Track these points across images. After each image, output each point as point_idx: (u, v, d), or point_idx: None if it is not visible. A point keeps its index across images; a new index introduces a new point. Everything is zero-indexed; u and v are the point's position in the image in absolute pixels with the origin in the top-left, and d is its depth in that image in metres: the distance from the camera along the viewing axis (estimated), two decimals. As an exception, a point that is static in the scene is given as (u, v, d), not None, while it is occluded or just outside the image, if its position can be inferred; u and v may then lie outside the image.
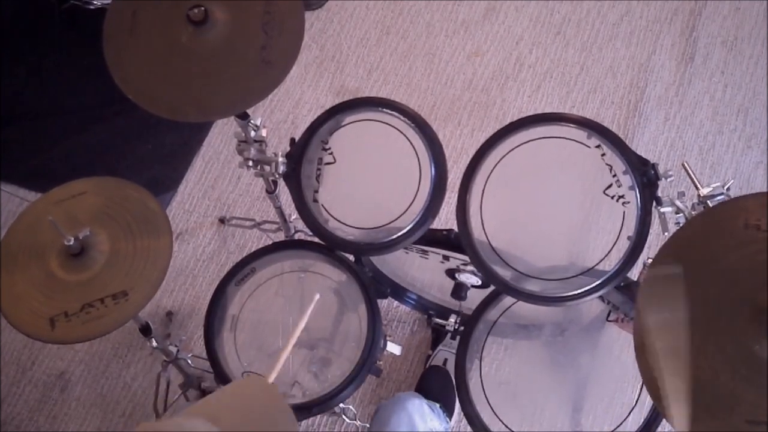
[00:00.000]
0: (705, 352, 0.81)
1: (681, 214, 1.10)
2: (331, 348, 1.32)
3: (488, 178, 1.18)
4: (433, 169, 1.21)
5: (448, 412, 1.57)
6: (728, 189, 1.07)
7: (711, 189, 1.07)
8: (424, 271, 1.59)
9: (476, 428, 1.17)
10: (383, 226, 1.23)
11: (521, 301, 1.17)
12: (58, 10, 2.15)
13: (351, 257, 1.33)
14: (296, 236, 1.70)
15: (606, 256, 1.13)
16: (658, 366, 0.83)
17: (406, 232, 1.21)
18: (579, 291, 1.12)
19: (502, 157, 1.18)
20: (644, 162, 1.13)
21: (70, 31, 2.21)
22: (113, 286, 1.05)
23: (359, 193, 1.28)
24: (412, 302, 1.69)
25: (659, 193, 1.13)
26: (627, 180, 1.13)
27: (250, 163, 1.27)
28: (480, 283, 1.42)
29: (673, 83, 2.09)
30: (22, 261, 1.08)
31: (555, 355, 1.31)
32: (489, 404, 1.19)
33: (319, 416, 1.73)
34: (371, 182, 1.28)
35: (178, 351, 1.43)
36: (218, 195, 2.01)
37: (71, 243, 1.05)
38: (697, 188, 1.09)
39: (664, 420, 1.13)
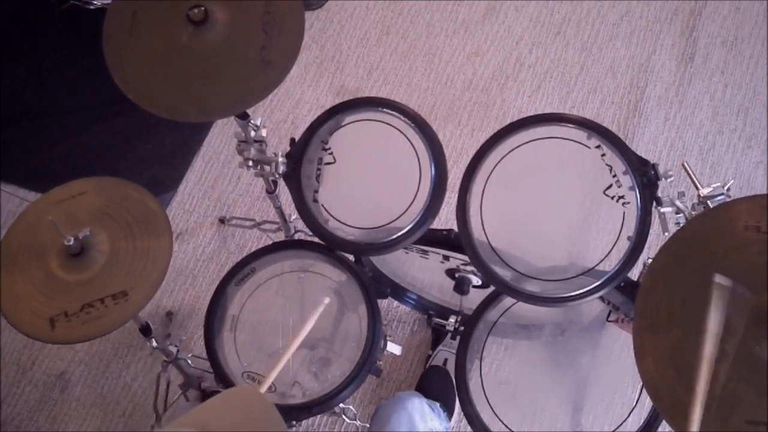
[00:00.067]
0: (705, 352, 0.81)
1: (681, 215, 1.10)
2: (331, 348, 1.32)
3: (488, 178, 1.18)
4: (433, 169, 1.21)
5: (448, 411, 1.57)
6: (728, 189, 1.07)
7: (711, 189, 1.07)
8: (424, 271, 1.59)
9: (476, 428, 1.17)
10: (383, 226, 1.23)
11: (521, 302, 1.17)
12: (58, 10, 2.15)
13: (351, 257, 1.33)
14: (296, 236, 1.70)
15: (606, 256, 1.13)
16: (658, 366, 0.83)
17: (406, 232, 1.21)
18: (579, 291, 1.12)
19: (502, 158, 1.18)
20: (644, 162, 1.13)
21: (70, 31, 2.21)
22: (113, 286, 1.05)
23: (359, 193, 1.28)
24: (412, 302, 1.69)
25: (659, 194, 1.13)
26: (627, 180, 1.13)
27: (250, 163, 1.27)
28: (480, 283, 1.42)
29: (673, 83, 2.09)
30: (22, 261, 1.08)
31: (555, 355, 1.31)
32: (489, 404, 1.19)
33: (319, 416, 1.73)
34: (371, 182, 1.28)
35: (178, 351, 1.43)
36: (218, 195, 2.01)
37: (71, 243, 1.05)
38: (697, 188, 1.09)
39: (664, 420, 1.13)
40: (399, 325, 1.82)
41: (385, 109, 1.24)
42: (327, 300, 1.07)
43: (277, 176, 1.26)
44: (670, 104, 2.07)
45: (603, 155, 1.15)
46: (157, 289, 1.06)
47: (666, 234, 1.07)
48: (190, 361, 1.48)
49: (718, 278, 0.82)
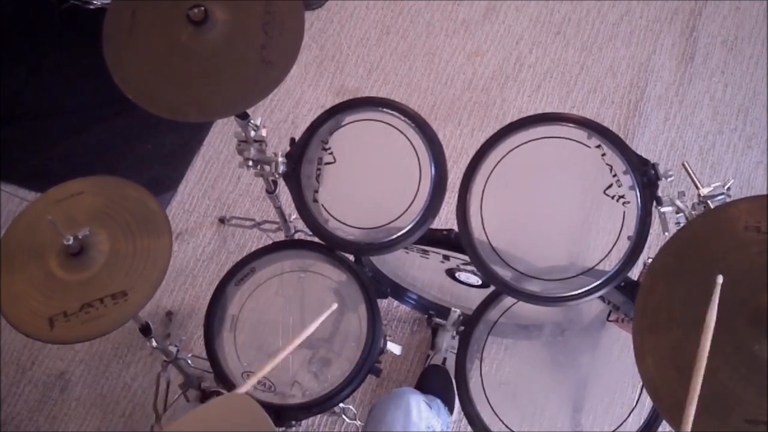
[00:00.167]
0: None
1: (681, 214, 1.10)
2: (331, 348, 1.31)
3: (488, 178, 1.18)
4: (433, 168, 1.21)
5: (449, 407, 1.57)
6: (728, 189, 1.07)
7: (711, 189, 1.07)
8: (424, 271, 1.59)
9: (476, 428, 1.17)
10: (383, 226, 1.23)
11: (521, 302, 1.17)
12: (58, 10, 2.15)
13: (351, 257, 1.33)
14: (296, 236, 1.70)
15: (606, 256, 1.13)
16: (658, 366, 0.83)
17: (406, 232, 1.21)
18: (579, 291, 1.12)
19: (503, 157, 1.18)
20: (644, 162, 1.13)
21: (70, 31, 2.21)
22: (113, 286, 1.05)
23: (359, 193, 1.28)
24: (412, 302, 1.69)
25: (659, 193, 1.13)
26: (627, 180, 1.13)
27: (250, 163, 1.27)
28: (480, 283, 1.42)
29: (673, 83, 2.09)
30: (21, 261, 1.08)
31: (555, 355, 1.31)
32: (489, 404, 1.19)
33: (319, 416, 1.73)
34: (371, 182, 1.28)
35: (178, 351, 1.43)
36: (218, 195, 2.01)
37: (70, 242, 1.05)
38: (697, 188, 1.09)
39: (664, 420, 1.13)
40: (399, 325, 1.82)
41: (385, 109, 1.24)
42: (335, 306, 1.07)
43: (277, 176, 1.26)
44: (670, 104, 2.07)
45: (603, 155, 1.15)
46: (156, 289, 1.06)
47: (666, 234, 1.07)
48: (190, 361, 1.48)
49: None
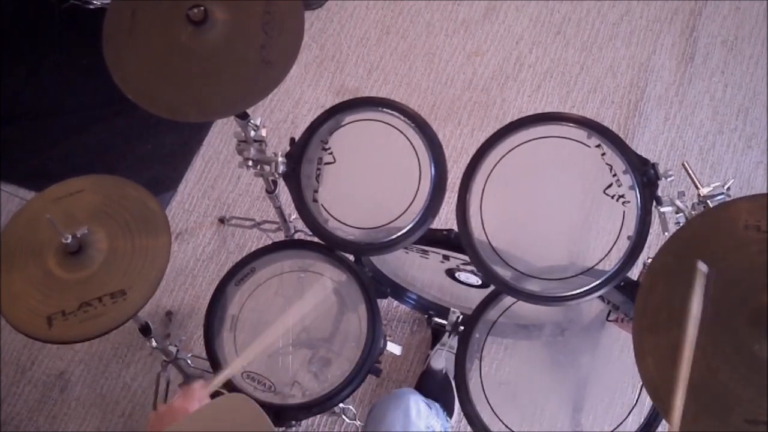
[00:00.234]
0: (705, 352, 0.81)
1: (681, 214, 1.10)
2: (331, 348, 1.31)
3: (488, 177, 1.18)
4: (433, 168, 1.21)
5: (448, 411, 1.57)
6: (728, 189, 1.07)
7: (711, 189, 1.07)
8: (424, 271, 1.59)
9: (476, 428, 1.17)
10: (383, 225, 1.23)
11: (521, 301, 1.17)
12: (58, 10, 2.15)
13: (351, 257, 1.33)
14: (296, 236, 1.70)
15: (606, 255, 1.13)
16: (658, 366, 0.83)
17: (406, 231, 1.20)
18: (579, 291, 1.12)
19: (502, 157, 1.18)
20: (644, 162, 1.13)
21: (70, 31, 2.21)
22: (111, 285, 1.05)
23: (359, 192, 1.28)
24: (412, 302, 1.69)
25: (659, 193, 1.13)
26: (627, 179, 1.13)
27: (250, 163, 1.27)
28: (480, 283, 1.42)
29: (673, 83, 2.09)
30: (19, 259, 1.07)
31: (555, 355, 1.31)
32: (489, 404, 1.19)
33: (319, 416, 1.72)
34: (371, 182, 1.28)
35: (177, 351, 1.43)
36: (218, 195, 2.01)
37: (69, 241, 1.04)
38: (697, 188, 1.09)
39: (663, 420, 1.13)
40: (399, 325, 1.82)
41: (385, 109, 1.24)
42: (328, 284, 1.06)
43: (276, 176, 1.26)
44: (670, 104, 2.07)
45: (603, 154, 1.15)
46: (155, 288, 1.06)
47: (666, 234, 1.07)
48: (189, 361, 1.48)
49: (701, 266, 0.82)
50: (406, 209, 1.21)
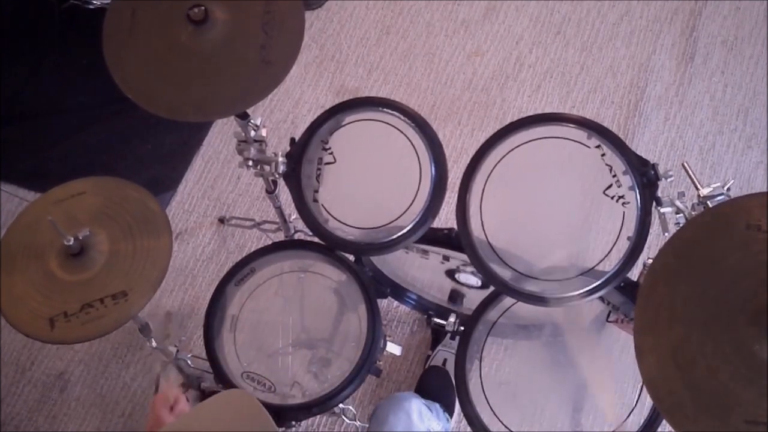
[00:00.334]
0: (705, 352, 0.81)
1: (681, 215, 1.10)
2: (331, 348, 1.31)
3: (488, 177, 1.18)
4: (433, 168, 1.21)
5: (448, 412, 1.57)
6: (728, 189, 1.07)
7: (711, 189, 1.07)
8: (424, 271, 1.59)
9: (476, 428, 1.17)
10: (383, 226, 1.23)
11: (521, 302, 1.17)
12: (58, 9, 2.15)
13: (351, 257, 1.33)
14: (296, 236, 1.70)
15: (606, 256, 1.13)
16: (659, 367, 0.83)
17: (407, 231, 1.20)
18: (579, 291, 1.12)
19: (502, 157, 1.18)
20: (644, 162, 1.13)
21: (70, 31, 2.21)
22: (113, 287, 1.05)
23: (359, 192, 1.28)
24: (412, 302, 1.69)
25: (659, 194, 1.13)
26: (627, 180, 1.13)
27: (250, 163, 1.27)
28: (480, 284, 1.42)
29: (673, 83, 2.09)
30: (21, 261, 1.07)
31: (555, 355, 1.31)
32: (489, 405, 1.19)
33: (319, 416, 1.73)
34: (371, 182, 1.28)
35: (177, 351, 1.43)
36: (218, 195, 2.01)
37: (71, 243, 1.04)
38: (697, 188, 1.09)
39: (663, 420, 1.13)
40: (399, 325, 1.82)
41: (385, 109, 1.24)
42: None
43: (277, 176, 1.26)
44: (670, 104, 2.07)
45: (603, 155, 1.15)
46: (156, 289, 1.06)
47: (666, 234, 1.07)
48: (189, 362, 1.48)
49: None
50: (407, 209, 1.21)
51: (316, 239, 1.27)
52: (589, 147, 1.16)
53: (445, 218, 1.43)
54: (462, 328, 1.29)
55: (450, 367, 1.67)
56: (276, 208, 1.57)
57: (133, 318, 1.11)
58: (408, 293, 1.67)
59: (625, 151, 1.13)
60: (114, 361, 1.82)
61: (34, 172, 2.05)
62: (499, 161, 1.18)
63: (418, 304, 1.69)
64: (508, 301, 1.25)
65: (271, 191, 1.47)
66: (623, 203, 1.13)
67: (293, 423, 1.30)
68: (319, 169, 1.27)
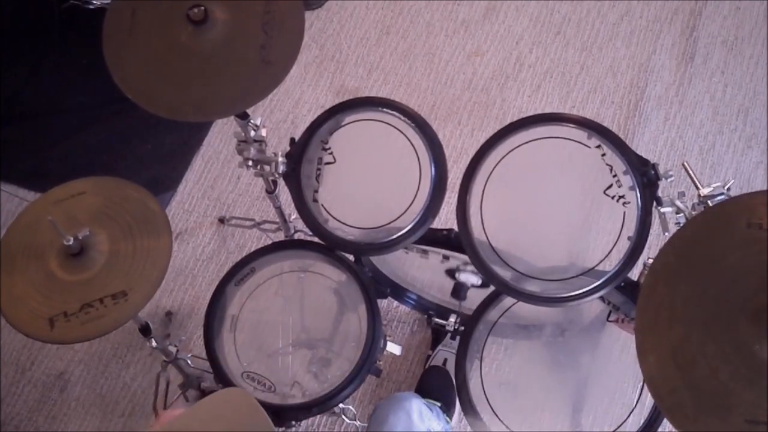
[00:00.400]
0: (705, 352, 0.81)
1: (681, 214, 1.10)
2: (331, 348, 1.31)
3: (488, 178, 1.18)
4: (433, 168, 1.21)
5: (449, 412, 1.57)
6: (728, 189, 1.07)
7: (711, 189, 1.07)
8: (424, 271, 1.59)
9: (476, 428, 1.17)
10: (383, 226, 1.23)
11: (521, 302, 1.17)
12: (58, 9, 2.15)
13: (351, 257, 1.33)
14: (296, 236, 1.70)
15: (606, 256, 1.13)
16: (659, 366, 0.83)
17: (406, 232, 1.20)
18: (579, 291, 1.12)
19: (503, 157, 1.18)
20: (644, 162, 1.13)
21: (70, 31, 2.21)
22: (113, 287, 1.05)
23: (359, 193, 1.28)
24: (412, 302, 1.69)
25: (659, 193, 1.13)
26: (627, 180, 1.13)
27: (250, 163, 1.27)
28: (480, 283, 1.42)
29: (673, 83, 2.09)
30: (21, 261, 1.07)
31: (555, 355, 1.31)
32: (489, 404, 1.19)
33: (319, 416, 1.72)
34: (371, 182, 1.28)
35: (177, 351, 1.43)
36: (218, 195, 2.01)
37: (71, 243, 1.04)
38: (697, 188, 1.09)
39: (664, 420, 1.13)
40: (399, 325, 1.82)
41: (385, 109, 1.24)
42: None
43: (276, 176, 1.26)
44: (671, 104, 2.07)
45: (603, 155, 1.15)
46: (156, 289, 1.06)
47: (666, 234, 1.07)
48: (189, 361, 1.48)
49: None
50: (407, 209, 1.21)
51: (316, 239, 1.27)
52: (589, 147, 1.16)
53: (445, 218, 1.43)
54: (462, 327, 1.29)
55: (450, 367, 1.67)
56: (276, 208, 1.57)
57: (133, 318, 1.11)
58: (408, 293, 1.67)
59: (625, 151, 1.13)
60: (114, 361, 1.82)
61: (34, 172, 2.05)
62: (499, 161, 1.18)
63: (418, 304, 1.69)
64: (508, 301, 1.25)
65: (271, 191, 1.47)
66: (624, 203, 1.13)
67: (293, 423, 1.30)
68: (319, 169, 1.27)
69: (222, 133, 2.09)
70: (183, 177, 2.03)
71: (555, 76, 2.11)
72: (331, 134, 1.27)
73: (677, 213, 1.11)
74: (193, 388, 1.56)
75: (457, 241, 1.21)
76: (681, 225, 1.08)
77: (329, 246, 1.27)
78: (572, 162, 1.18)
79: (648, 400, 1.11)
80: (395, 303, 1.76)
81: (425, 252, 1.40)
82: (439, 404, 1.52)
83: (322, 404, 1.22)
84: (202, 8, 1.07)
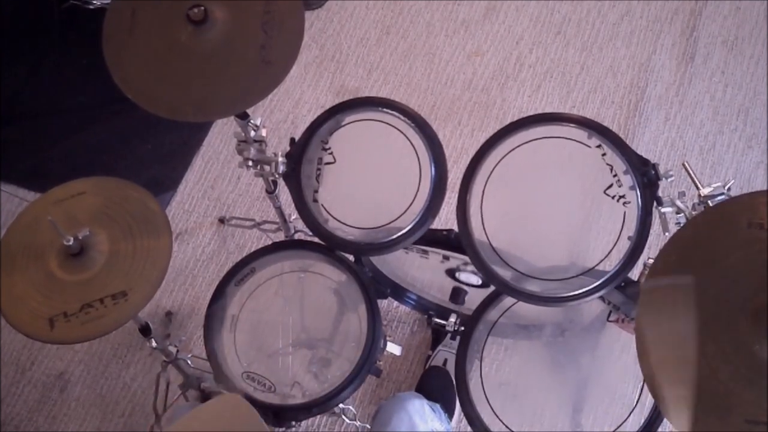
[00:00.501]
0: (705, 352, 0.81)
1: (682, 214, 1.10)
2: (331, 348, 1.31)
3: (488, 178, 1.18)
4: (433, 168, 1.21)
5: (449, 412, 1.57)
6: (729, 189, 1.07)
7: (712, 189, 1.07)
8: (424, 271, 1.59)
9: (476, 429, 1.17)
10: (383, 226, 1.23)
11: (521, 302, 1.17)
12: (58, 9, 2.15)
13: (351, 257, 1.33)
14: (296, 236, 1.70)
15: (606, 256, 1.13)
16: (660, 366, 0.83)
17: (406, 232, 1.20)
18: (579, 291, 1.11)
19: (503, 157, 1.18)
20: (645, 162, 1.13)
21: (70, 31, 2.21)
22: (113, 287, 1.05)
23: (359, 193, 1.28)
24: (412, 302, 1.69)
25: (660, 193, 1.13)
26: (627, 180, 1.13)
27: (250, 163, 1.27)
28: (480, 282, 1.42)
29: (673, 83, 2.09)
30: (21, 261, 1.07)
31: (555, 355, 1.31)
32: (489, 405, 1.19)
33: (319, 416, 1.72)
34: (371, 182, 1.28)
35: (177, 351, 1.43)
36: (218, 195, 2.01)
37: (70, 243, 1.04)
38: (697, 188, 1.09)
39: (663, 421, 1.13)
40: (399, 326, 1.82)
41: (385, 109, 1.24)
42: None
43: (276, 176, 1.26)
44: (671, 104, 2.07)
45: (603, 155, 1.15)
46: (156, 289, 1.06)
47: (666, 234, 1.07)
48: (189, 362, 1.48)
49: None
50: (407, 209, 1.21)
51: (316, 239, 1.27)
52: (589, 147, 1.16)
53: (445, 218, 1.43)
54: (462, 328, 1.29)
55: (450, 367, 1.67)
56: (276, 208, 1.56)
57: (133, 318, 1.11)
58: (408, 293, 1.67)
59: (625, 150, 1.13)
60: (114, 361, 1.82)
61: (34, 172, 2.05)
62: (499, 161, 1.18)
63: (418, 304, 1.69)
64: (508, 300, 1.25)
65: (271, 191, 1.47)
66: (624, 203, 1.13)
67: (293, 423, 1.30)
68: (319, 169, 1.26)
69: (222, 133, 2.09)
70: (183, 177, 2.03)
71: (555, 76, 2.11)
72: (331, 134, 1.27)
73: (677, 213, 1.10)
74: (193, 389, 1.56)
75: (457, 241, 1.21)
76: (681, 225, 1.08)
77: (329, 246, 1.27)
78: (572, 162, 1.18)
79: (648, 400, 1.11)
80: (395, 303, 1.76)
81: (425, 252, 1.40)
82: (439, 404, 1.52)
83: (322, 404, 1.22)
84: (202, 8, 1.07)
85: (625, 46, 2.15)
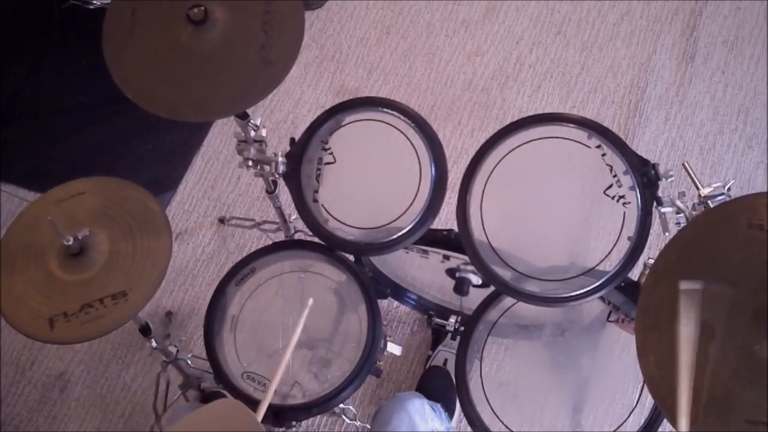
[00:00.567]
0: (705, 352, 0.81)
1: (682, 215, 1.10)
2: (331, 348, 1.31)
3: (488, 178, 1.18)
4: (433, 168, 1.21)
5: (449, 412, 1.57)
6: (729, 189, 1.07)
7: (712, 189, 1.07)
8: (425, 271, 1.59)
9: (476, 429, 1.17)
10: (383, 226, 1.23)
11: (521, 302, 1.17)
12: (58, 9, 2.15)
13: (351, 257, 1.33)
14: (296, 236, 1.70)
15: (606, 256, 1.13)
16: (659, 366, 0.83)
17: (407, 232, 1.20)
18: (579, 292, 1.12)
19: (503, 157, 1.18)
20: (645, 162, 1.13)
21: (70, 31, 2.21)
22: (113, 287, 1.05)
23: (359, 193, 1.28)
24: (412, 302, 1.69)
25: (660, 194, 1.13)
26: (627, 180, 1.13)
27: (250, 163, 1.27)
28: (480, 282, 1.42)
29: (673, 83, 2.09)
30: (21, 261, 1.07)
31: (555, 355, 1.31)
32: (489, 405, 1.19)
33: (319, 416, 1.72)
34: (371, 182, 1.28)
35: (177, 351, 1.43)
36: (218, 195, 2.01)
37: (70, 243, 1.04)
38: (697, 188, 1.09)
39: (663, 421, 1.13)
40: (399, 325, 1.82)
41: (385, 109, 1.24)
42: (311, 301, 1.07)
43: (277, 176, 1.26)
44: (671, 104, 2.07)
45: (603, 155, 1.15)
46: (156, 289, 1.06)
47: (666, 234, 1.07)
48: (189, 362, 1.48)
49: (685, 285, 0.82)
50: (407, 209, 1.21)
51: (316, 239, 1.27)
52: (589, 147, 1.16)
53: (445, 218, 1.43)
54: (462, 328, 1.29)
55: (450, 367, 1.67)
56: (276, 208, 1.56)
57: (133, 318, 1.11)
58: (408, 293, 1.67)
59: (625, 151, 1.13)
60: (114, 361, 1.82)
61: (34, 172, 2.05)
62: (499, 161, 1.18)
63: (418, 304, 1.69)
64: (508, 301, 1.25)
65: (271, 191, 1.47)
66: (624, 203, 1.13)
67: (293, 423, 1.30)
68: (319, 169, 1.27)
69: (222, 133, 2.09)
70: (183, 177, 2.03)
71: (555, 76, 2.11)
72: (331, 134, 1.27)
73: (677, 213, 1.10)
74: (193, 389, 1.56)
75: (457, 241, 1.21)
76: (681, 225, 1.08)
77: (329, 246, 1.27)
78: (572, 162, 1.18)
79: (648, 400, 1.11)
80: (395, 303, 1.76)
81: (425, 252, 1.40)
82: (439, 404, 1.52)
83: (323, 404, 1.22)
84: (202, 8, 1.07)
85: (625, 46, 2.15)
